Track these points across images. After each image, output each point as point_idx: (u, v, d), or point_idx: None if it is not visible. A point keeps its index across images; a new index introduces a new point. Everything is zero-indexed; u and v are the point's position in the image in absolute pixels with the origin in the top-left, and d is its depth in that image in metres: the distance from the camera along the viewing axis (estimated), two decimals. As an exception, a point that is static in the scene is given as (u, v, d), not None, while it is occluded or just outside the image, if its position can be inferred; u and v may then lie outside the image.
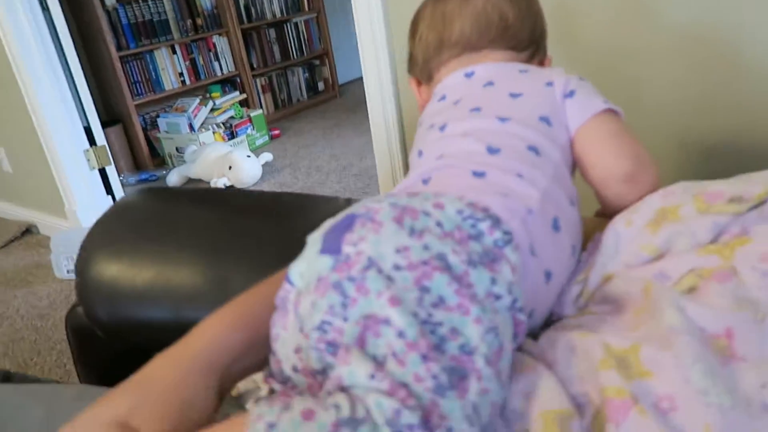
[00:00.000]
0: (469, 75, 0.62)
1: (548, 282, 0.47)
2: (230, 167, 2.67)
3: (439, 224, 0.41)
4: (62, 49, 2.19)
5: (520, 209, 0.46)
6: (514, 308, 0.41)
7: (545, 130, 0.54)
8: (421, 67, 0.67)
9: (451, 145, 0.54)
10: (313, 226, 0.46)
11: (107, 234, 0.67)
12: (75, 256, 2.11)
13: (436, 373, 0.34)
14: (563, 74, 0.59)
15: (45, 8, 2.11)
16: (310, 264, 0.42)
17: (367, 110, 1.47)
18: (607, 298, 0.44)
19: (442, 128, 0.56)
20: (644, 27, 0.97)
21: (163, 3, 3.20)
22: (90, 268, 0.64)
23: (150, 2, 3.14)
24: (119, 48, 3.01)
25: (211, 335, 0.44)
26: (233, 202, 0.69)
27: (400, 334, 0.35)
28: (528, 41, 0.64)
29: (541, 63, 0.67)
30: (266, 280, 0.49)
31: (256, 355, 0.45)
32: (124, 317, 0.62)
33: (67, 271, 2.14)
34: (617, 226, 0.48)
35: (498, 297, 0.40)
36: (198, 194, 0.73)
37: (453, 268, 0.39)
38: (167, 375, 0.42)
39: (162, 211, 0.69)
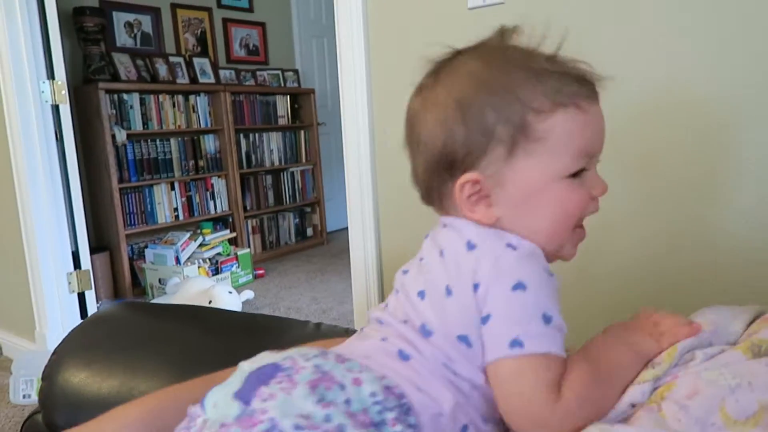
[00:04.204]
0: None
1: None
2: (210, 301, 2.67)
3: (347, 402, 0.44)
4: (67, 177, 2.31)
5: (432, 407, 0.47)
6: None
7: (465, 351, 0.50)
8: None
9: (399, 308, 0.54)
10: (281, 347, 0.50)
11: (81, 341, 0.68)
12: (35, 380, 2.03)
13: None
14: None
15: (59, 138, 2.27)
16: (224, 401, 0.45)
17: (351, 256, 1.55)
18: None
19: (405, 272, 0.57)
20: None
21: (170, 143, 3.42)
22: (57, 373, 0.65)
23: (158, 141, 3.36)
24: (120, 180, 3.16)
25: (121, 423, 0.50)
26: (208, 319, 0.72)
27: None
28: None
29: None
30: (201, 378, 0.52)
31: None
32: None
33: (23, 396, 2.04)
34: None
35: None
36: (174, 310, 0.76)
37: None
38: None
39: (138, 323, 0.71)
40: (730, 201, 0.98)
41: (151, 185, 3.34)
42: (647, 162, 1.06)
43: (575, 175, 0.52)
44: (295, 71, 4.32)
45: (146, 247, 3.31)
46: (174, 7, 3.64)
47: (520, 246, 0.50)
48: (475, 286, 0.48)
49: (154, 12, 3.53)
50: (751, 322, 0.55)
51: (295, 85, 4.28)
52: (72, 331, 0.70)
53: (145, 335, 0.69)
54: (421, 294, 0.52)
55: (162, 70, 3.43)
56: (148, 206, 3.34)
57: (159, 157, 3.38)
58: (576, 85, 0.52)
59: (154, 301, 2.92)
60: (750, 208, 0.96)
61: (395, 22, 1.37)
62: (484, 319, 0.48)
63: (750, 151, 0.95)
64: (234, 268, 3.37)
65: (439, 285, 0.51)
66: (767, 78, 0.93)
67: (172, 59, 3.51)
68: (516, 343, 0.46)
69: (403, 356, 0.50)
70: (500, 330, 0.47)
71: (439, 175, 0.53)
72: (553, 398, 0.46)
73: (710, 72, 0.98)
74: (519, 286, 0.47)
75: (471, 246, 0.51)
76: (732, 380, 0.44)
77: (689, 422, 0.43)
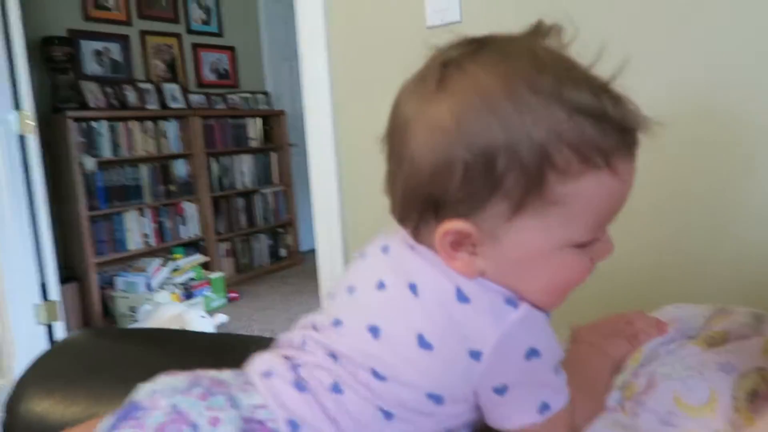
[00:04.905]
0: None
1: None
2: (183, 328, 2.65)
3: None
4: (33, 209, 2.28)
5: None
6: None
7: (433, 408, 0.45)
8: None
9: (330, 337, 0.49)
10: (242, 363, 0.52)
11: (43, 370, 0.68)
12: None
13: None
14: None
15: (26, 168, 2.24)
16: None
17: (323, 275, 1.56)
18: None
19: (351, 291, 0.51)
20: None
21: (139, 170, 3.40)
22: (20, 403, 0.65)
23: (128, 168, 3.34)
24: (90, 208, 3.12)
25: None
26: (171, 341, 0.73)
27: None
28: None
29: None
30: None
31: None
32: (46, 454, 0.62)
33: (-10, 432, 1.99)
34: None
35: None
36: (137, 334, 0.77)
37: None
38: None
39: (101, 349, 0.72)
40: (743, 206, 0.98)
41: (121, 212, 3.31)
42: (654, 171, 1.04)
43: (584, 244, 0.43)
44: (266, 93, 4.34)
45: (116, 275, 3.27)
46: (143, 34, 3.64)
47: (519, 303, 0.43)
48: (474, 354, 0.42)
49: (123, 40, 3.53)
50: (711, 319, 0.58)
51: (266, 107, 4.31)
52: (34, 360, 0.70)
53: (108, 361, 0.69)
54: (374, 331, 0.45)
55: (131, 96, 3.42)
56: (118, 233, 3.30)
57: (129, 184, 3.35)
58: (617, 136, 0.40)
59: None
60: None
61: (356, 43, 1.41)
62: (500, 390, 0.43)
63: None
64: (207, 293, 3.35)
65: (407, 329, 0.43)
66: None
67: (141, 86, 3.51)
68: (544, 407, 0.44)
69: (299, 387, 0.46)
70: (525, 398, 0.44)
71: (419, 208, 0.43)
72: None
73: (723, 79, 0.96)
74: (532, 354, 0.42)
75: (463, 297, 0.43)
76: (683, 372, 0.48)
77: (646, 415, 0.46)
